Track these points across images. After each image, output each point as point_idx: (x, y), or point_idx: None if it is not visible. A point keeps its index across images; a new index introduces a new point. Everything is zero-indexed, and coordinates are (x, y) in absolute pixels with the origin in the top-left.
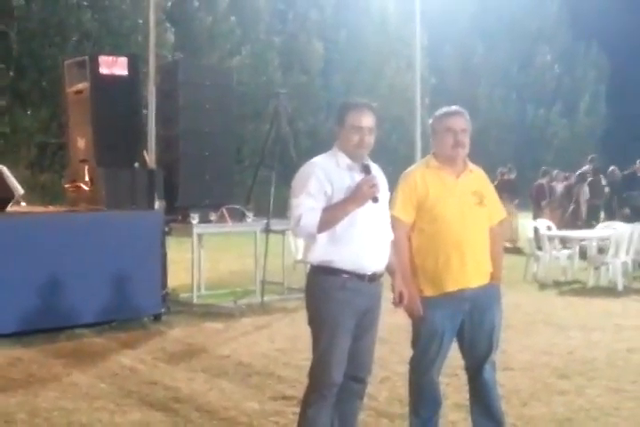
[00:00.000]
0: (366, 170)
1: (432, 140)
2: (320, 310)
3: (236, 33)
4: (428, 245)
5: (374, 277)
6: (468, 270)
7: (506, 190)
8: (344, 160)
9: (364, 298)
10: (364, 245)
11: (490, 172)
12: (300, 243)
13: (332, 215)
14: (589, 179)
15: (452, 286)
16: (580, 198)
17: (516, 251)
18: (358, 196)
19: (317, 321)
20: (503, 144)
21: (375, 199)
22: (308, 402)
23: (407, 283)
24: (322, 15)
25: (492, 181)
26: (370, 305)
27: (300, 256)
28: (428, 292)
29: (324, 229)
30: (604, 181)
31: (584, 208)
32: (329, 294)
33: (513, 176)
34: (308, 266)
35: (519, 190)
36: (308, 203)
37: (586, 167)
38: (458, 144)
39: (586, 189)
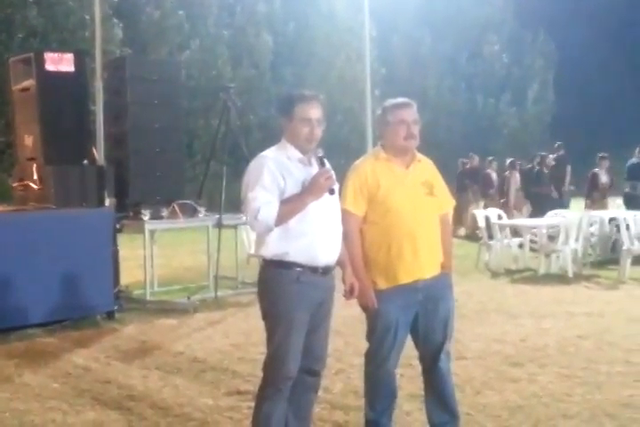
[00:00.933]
0: (322, 162)
1: (382, 132)
2: (274, 304)
3: (185, 27)
4: (381, 237)
5: (327, 270)
6: (421, 261)
7: (467, 178)
8: (294, 153)
9: (317, 291)
10: (317, 237)
11: (440, 161)
12: (253, 237)
13: (289, 208)
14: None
15: (405, 278)
16: (510, 187)
17: (477, 238)
18: (315, 188)
19: (272, 315)
20: (453, 134)
21: (332, 191)
22: (262, 396)
23: (359, 275)
24: (270, 8)
25: (453, 171)
26: (323, 298)
27: (252, 251)
28: (382, 284)
29: (282, 223)
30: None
31: (512, 197)
32: (283, 288)
33: (475, 164)
34: (261, 260)
35: (479, 178)
36: (264, 196)
37: (553, 155)
38: (411, 136)
39: (517, 176)
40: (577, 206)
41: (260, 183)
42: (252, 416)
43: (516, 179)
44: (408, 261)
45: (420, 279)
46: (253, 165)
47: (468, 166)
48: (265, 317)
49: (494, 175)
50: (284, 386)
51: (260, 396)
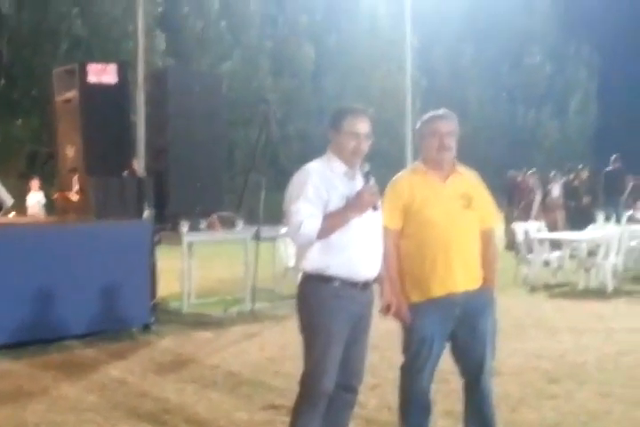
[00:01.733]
0: (367, 177)
1: (420, 145)
2: (313, 318)
3: (227, 38)
4: (416, 250)
5: (367, 285)
6: (456, 275)
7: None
8: (339, 166)
9: (356, 305)
10: (358, 252)
11: (480, 174)
12: (291, 250)
13: (332, 222)
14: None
15: (438, 291)
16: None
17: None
18: (359, 204)
19: (310, 329)
20: (494, 146)
21: (375, 207)
22: (298, 411)
23: (395, 291)
24: (312, 19)
25: (493, 183)
26: (362, 313)
27: (290, 263)
28: (415, 297)
29: (324, 237)
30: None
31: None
32: (322, 302)
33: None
34: (300, 274)
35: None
36: (307, 209)
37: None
38: (443, 147)
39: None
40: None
41: (303, 196)
42: None
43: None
44: (440, 273)
45: (455, 293)
46: (297, 177)
47: (519, 179)
48: (303, 330)
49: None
50: (320, 401)
51: (295, 411)
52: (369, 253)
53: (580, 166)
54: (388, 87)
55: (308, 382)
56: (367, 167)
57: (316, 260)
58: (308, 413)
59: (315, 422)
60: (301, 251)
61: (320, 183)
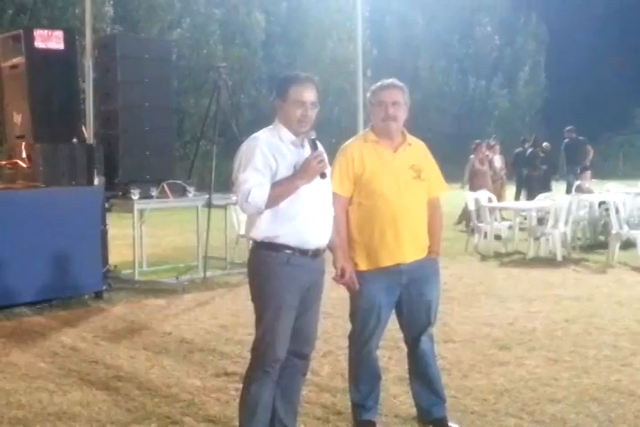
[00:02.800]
0: (314, 145)
1: (369, 114)
2: (264, 287)
3: (176, 5)
4: (365, 219)
5: (317, 253)
6: (404, 245)
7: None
8: (287, 135)
9: (307, 274)
10: (308, 220)
11: (431, 143)
12: (243, 218)
13: (280, 191)
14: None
15: (387, 261)
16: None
17: None
18: (308, 171)
19: (261, 298)
20: (445, 115)
21: (323, 175)
22: (251, 379)
23: (346, 258)
24: None
25: (444, 153)
26: (313, 281)
27: (242, 231)
28: (363, 266)
29: (272, 205)
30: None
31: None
32: (273, 271)
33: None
34: (251, 242)
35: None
36: (255, 178)
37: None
38: (388, 117)
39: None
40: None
41: (251, 165)
42: (239, 398)
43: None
44: (390, 244)
45: (402, 263)
46: (246, 146)
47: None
48: (254, 299)
49: (497, 159)
50: (272, 369)
51: (247, 378)
52: (319, 220)
53: (534, 136)
54: (339, 56)
55: (260, 349)
56: (314, 134)
57: (266, 229)
58: (261, 380)
59: (267, 389)
60: (251, 220)
61: (268, 152)
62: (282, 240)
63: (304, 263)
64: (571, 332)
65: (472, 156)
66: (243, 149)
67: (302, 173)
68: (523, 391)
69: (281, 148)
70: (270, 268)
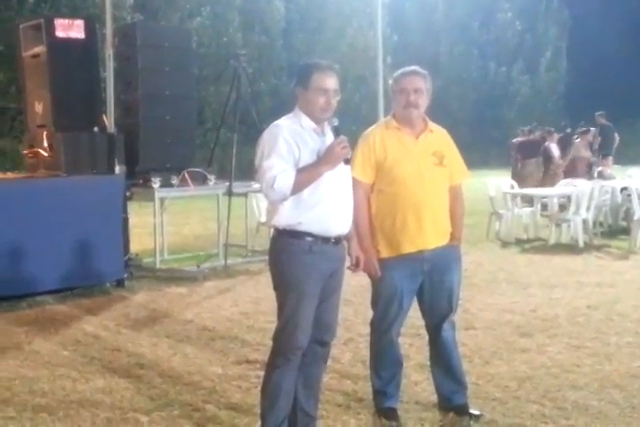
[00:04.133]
0: (337, 131)
1: (391, 101)
2: (286, 275)
3: None
4: (387, 206)
5: (339, 240)
6: (426, 232)
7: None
8: (308, 122)
9: (329, 261)
10: (330, 207)
11: (452, 130)
12: (263, 205)
13: (305, 177)
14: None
15: (408, 248)
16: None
17: None
18: (331, 157)
19: (283, 285)
20: (465, 102)
21: (347, 161)
22: (272, 365)
23: (364, 245)
24: None
25: (464, 139)
26: (335, 268)
27: (262, 219)
28: (385, 253)
29: (297, 192)
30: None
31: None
32: (295, 258)
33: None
34: (272, 230)
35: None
36: (280, 165)
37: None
38: (409, 104)
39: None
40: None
41: (275, 152)
42: (261, 385)
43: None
44: (412, 231)
45: (424, 250)
46: (268, 133)
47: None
48: (276, 287)
49: (554, 148)
50: (294, 356)
51: (269, 365)
52: (341, 208)
53: (582, 123)
54: (359, 43)
55: (282, 337)
56: (336, 121)
57: (289, 216)
58: (282, 367)
59: (289, 375)
60: (273, 207)
61: (291, 139)
62: (304, 228)
63: (326, 251)
64: (593, 318)
65: (577, 140)
66: (265, 137)
67: (327, 158)
68: (544, 378)
69: (303, 135)
70: (292, 255)
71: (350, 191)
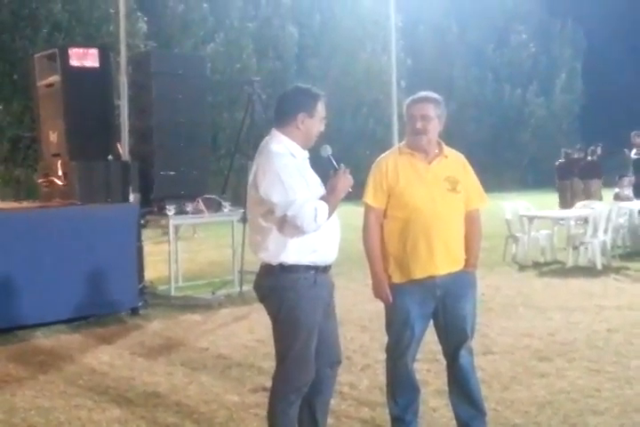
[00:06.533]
0: (334, 161)
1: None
2: (294, 311)
3: (209, 20)
4: (398, 231)
5: (330, 268)
6: (436, 258)
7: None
8: (299, 151)
9: (326, 291)
10: (329, 237)
11: (467, 153)
12: None
13: (330, 211)
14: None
15: (419, 274)
16: None
17: None
18: (343, 189)
19: (291, 323)
20: (480, 124)
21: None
22: (285, 401)
23: (375, 269)
24: (295, 0)
25: (479, 162)
26: (330, 295)
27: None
28: (397, 278)
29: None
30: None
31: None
32: (303, 294)
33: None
34: (268, 266)
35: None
36: (308, 196)
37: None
38: (417, 131)
39: None
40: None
41: (299, 183)
42: (269, 420)
43: None
44: (422, 256)
45: (436, 275)
46: (277, 162)
47: (576, 156)
48: (280, 323)
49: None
50: (306, 388)
51: (280, 401)
52: (336, 235)
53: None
54: (373, 67)
55: (292, 374)
56: (329, 150)
57: (298, 250)
58: (297, 401)
59: (296, 408)
60: (278, 242)
61: (298, 168)
62: (310, 260)
63: (324, 281)
64: (612, 342)
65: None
66: (276, 166)
67: (338, 192)
68: (564, 403)
69: (300, 164)
70: (300, 291)
71: (336, 216)
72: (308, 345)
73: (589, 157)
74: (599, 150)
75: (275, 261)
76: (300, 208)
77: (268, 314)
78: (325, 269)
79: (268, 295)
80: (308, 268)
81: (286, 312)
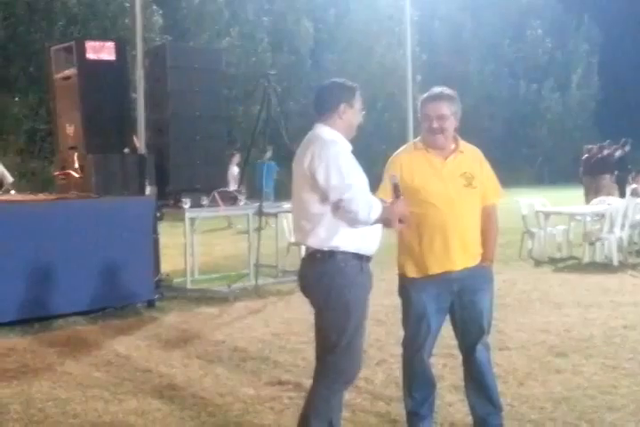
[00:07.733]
0: (398, 190)
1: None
2: (346, 297)
3: (225, 14)
4: (414, 227)
5: (371, 259)
6: (453, 253)
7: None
8: (347, 144)
9: (370, 280)
10: (374, 228)
11: (482, 148)
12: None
13: (379, 218)
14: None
15: (435, 269)
16: None
17: None
18: (396, 212)
19: (341, 309)
20: (495, 120)
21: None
22: (331, 390)
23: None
24: None
25: (494, 157)
26: (371, 286)
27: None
28: (412, 273)
29: None
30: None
31: None
32: (352, 280)
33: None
34: (318, 252)
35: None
36: (362, 182)
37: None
38: (433, 131)
39: None
40: None
41: (355, 169)
42: (311, 410)
43: None
44: (438, 252)
45: (452, 271)
46: (333, 148)
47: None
48: (332, 309)
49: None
50: (355, 379)
51: (326, 390)
52: (379, 229)
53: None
54: (389, 62)
55: (344, 363)
56: (396, 179)
57: (347, 237)
58: (342, 391)
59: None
60: (330, 229)
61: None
62: (356, 247)
63: (369, 269)
64: (629, 338)
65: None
66: (331, 152)
67: (394, 213)
68: (581, 399)
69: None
70: (350, 277)
71: None
72: (360, 333)
73: (619, 151)
74: (628, 146)
75: (326, 246)
76: (358, 193)
77: (313, 303)
78: (369, 259)
79: (315, 282)
80: (355, 255)
81: (337, 298)
